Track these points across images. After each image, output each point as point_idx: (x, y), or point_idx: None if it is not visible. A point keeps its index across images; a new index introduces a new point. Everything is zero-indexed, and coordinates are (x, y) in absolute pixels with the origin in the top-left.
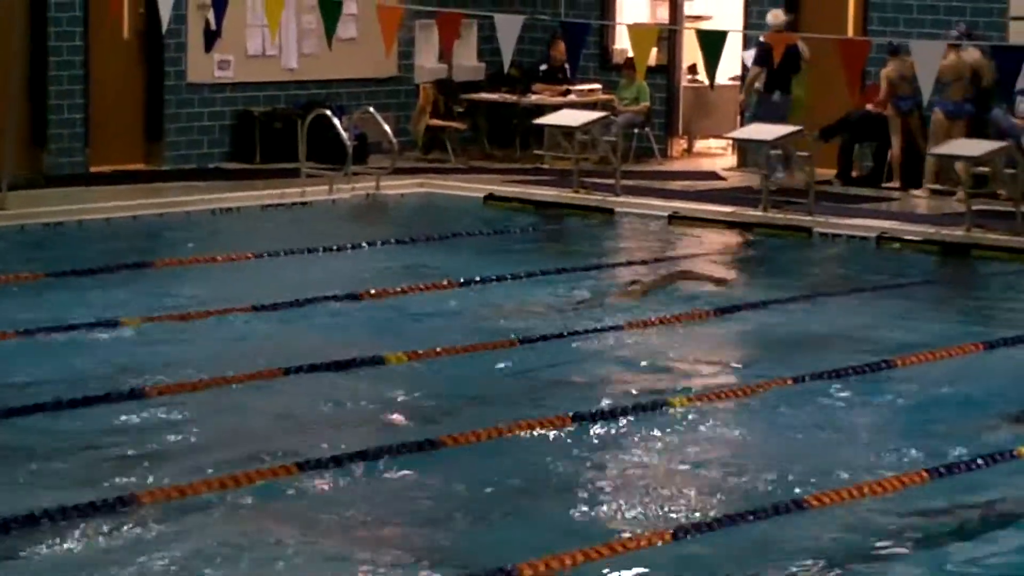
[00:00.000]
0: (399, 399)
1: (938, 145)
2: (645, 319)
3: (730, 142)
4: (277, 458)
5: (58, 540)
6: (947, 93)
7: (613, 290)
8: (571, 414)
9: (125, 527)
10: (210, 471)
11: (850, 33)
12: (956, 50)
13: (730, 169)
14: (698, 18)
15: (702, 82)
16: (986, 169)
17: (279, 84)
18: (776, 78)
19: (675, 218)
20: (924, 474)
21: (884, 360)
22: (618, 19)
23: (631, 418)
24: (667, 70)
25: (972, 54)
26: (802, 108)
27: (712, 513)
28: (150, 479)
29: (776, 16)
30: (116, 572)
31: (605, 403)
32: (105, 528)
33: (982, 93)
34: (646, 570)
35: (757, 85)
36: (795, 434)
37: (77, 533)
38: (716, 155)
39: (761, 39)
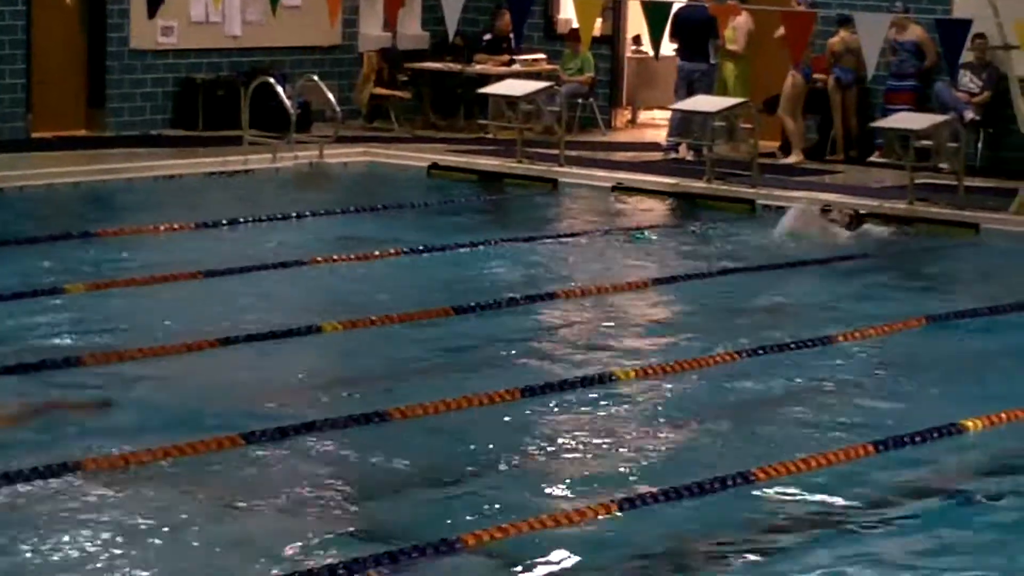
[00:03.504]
0: (340, 370)
1: (883, 119)
2: (585, 288)
3: None
4: (219, 429)
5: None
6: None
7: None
8: (518, 387)
9: (68, 494)
10: (151, 442)
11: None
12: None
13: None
14: None
15: (647, 53)
16: (929, 143)
17: (222, 51)
18: (685, 46)
19: (619, 188)
20: (871, 447)
21: (827, 334)
22: None
23: (576, 390)
24: (612, 41)
25: (915, 29)
26: (740, 83)
27: (658, 485)
28: (90, 447)
29: None
30: (56, 538)
31: (549, 376)
32: (47, 494)
33: (925, 68)
34: (592, 542)
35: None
36: (741, 406)
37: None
38: (660, 126)
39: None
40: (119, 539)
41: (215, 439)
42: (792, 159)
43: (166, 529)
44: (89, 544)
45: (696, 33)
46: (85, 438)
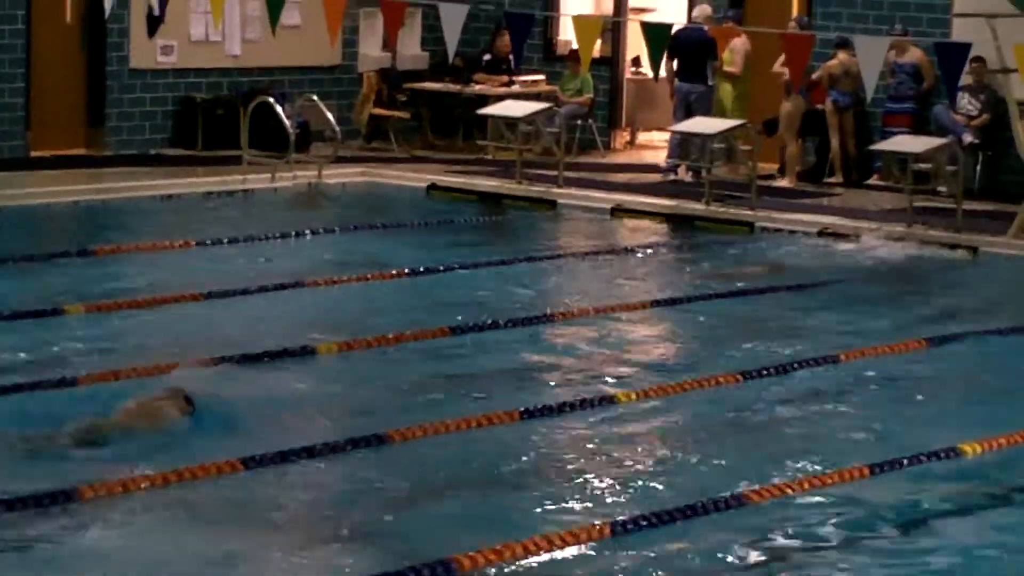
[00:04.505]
0: (337, 391)
1: (882, 142)
2: (583, 310)
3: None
4: (218, 452)
5: None
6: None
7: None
8: (517, 409)
9: (65, 520)
10: (147, 464)
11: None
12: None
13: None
14: (642, 10)
15: (646, 74)
16: (928, 166)
17: (222, 70)
18: (683, 67)
19: (617, 211)
20: (867, 470)
21: (827, 355)
22: (563, 10)
23: (575, 412)
24: (611, 62)
25: (914, 52)
26: (738, 105)
27: (651, 508)
28: (88, 471)
29: (702, 10)
30: (52, 566)
31: (549, 397)
32: (45, 521)
33: (923, 91)
34: (585, 564)
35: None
36: (740, 428)
37: (15, 527)
38: (659, 147)
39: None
40: (116, 566)
41: (214, 464)
42: (784, 182)
43: (163, 553)
44: (88, 571)
45: (694, 54)
46: (81, 463)
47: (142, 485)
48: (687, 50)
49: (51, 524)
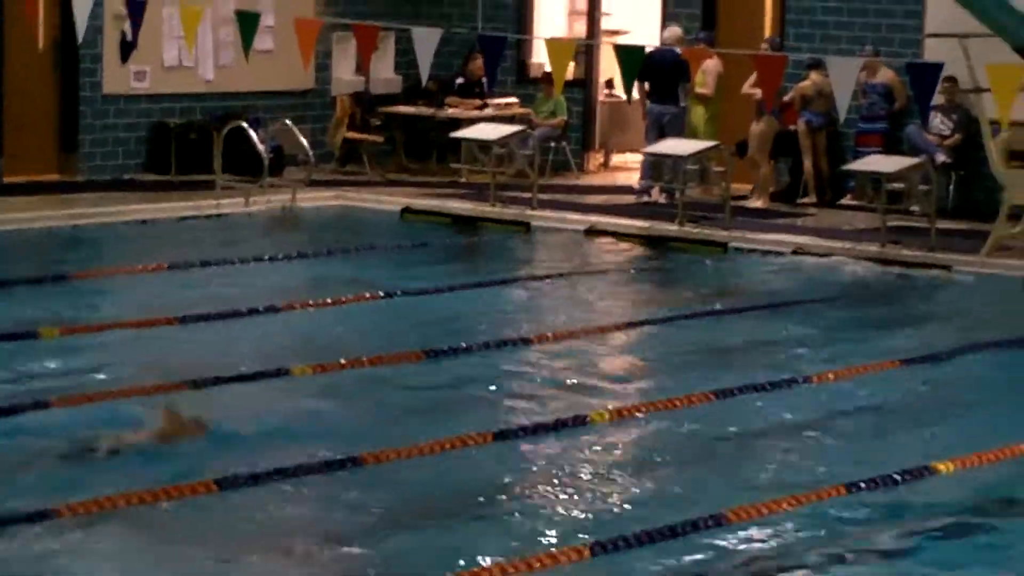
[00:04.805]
0: (311, 414)
1: (854, 161)
2: (558, 331)
3: None
4: (191, 474)
5: None
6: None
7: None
8: (491, 431)
9: (39, 540)
10: (122, 486)
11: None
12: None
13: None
14: (615, 32)
15: (619, 97)
16: (901, 185)
17: (195, 96)
18: (655, 89)
19: (591, 232)
20: (842, 488)
21: (801, 375)
22: (535, 33)
23: (550, 433)
24: (584, 84)
25: (886, 72)
26: (710, 126)
27: (628, 529)
28: (65, 492)
29: (672, 32)
30: None
31: (523, 419)
32: (22, 541)
33: (896, 111)
34: None
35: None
36: (714, 448)
37: None
38: (632, 169)
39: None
40: None
41: (189, 485)
42: (754, 203)
43: (136, 575)
44: None
45: (666, 76)
46: (57, 483)
47: (117, 504)
48: (659, 72)
49: (23, 542)
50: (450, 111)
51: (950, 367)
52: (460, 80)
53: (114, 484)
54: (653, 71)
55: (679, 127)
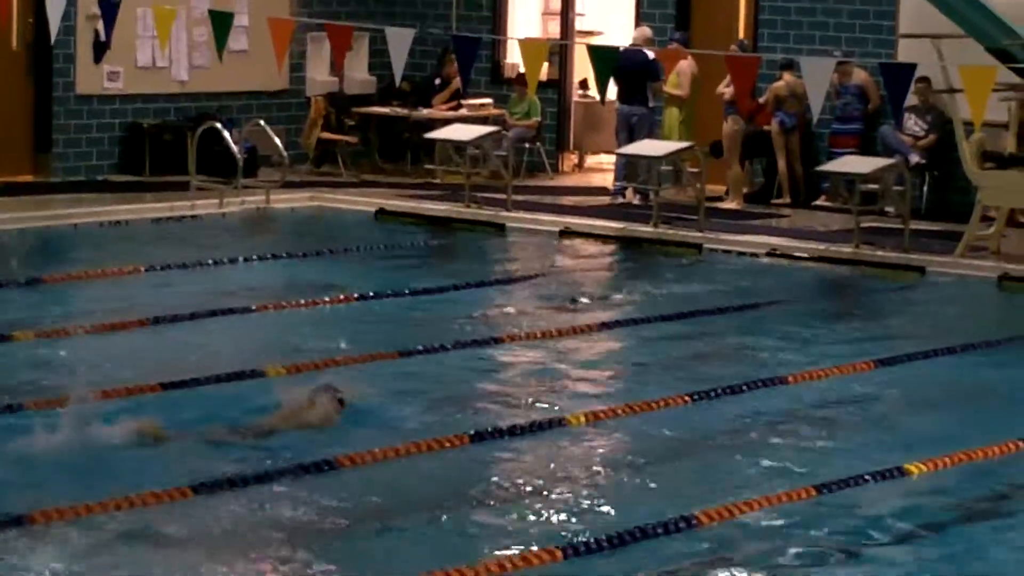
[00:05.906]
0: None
1: (829, 162)
2: (532, 333)
3: None
4: (166, 479)
5: None
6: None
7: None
8: (467, 432)
9: (15, 548)
10: (98, 492)
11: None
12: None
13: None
14: (589, 33)
15: (593, 97)
16: (875, 186)
17: (169, 96)
18: (623, 90)
19: (566, 233)
20: (814, 490)
21: (776, 376)
22: (509, 34)
23: (525, 435)
24: (558, 85)
25: (859, 73)
26: (684, 127)
27: (603, 531)
28: (34, 499)
29: (641, 32)
30: None
31: (499, 421)
32: None
33: (869, 112)
34: None
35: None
36: (689, 450)
37: None
38: (607, 170)
39: (651, 54)
40: None
41: (164, 490)
42: (728, 204)
43: None
44: None
45: (634, 76)
46: (31, 487)
47: (93, 510)
48: (628, 72)
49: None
50: (424, 112)
51: (923, 368)
52: (438, 81)
53: (85, 489)
54: (622, 72)
55: (649, 127)
